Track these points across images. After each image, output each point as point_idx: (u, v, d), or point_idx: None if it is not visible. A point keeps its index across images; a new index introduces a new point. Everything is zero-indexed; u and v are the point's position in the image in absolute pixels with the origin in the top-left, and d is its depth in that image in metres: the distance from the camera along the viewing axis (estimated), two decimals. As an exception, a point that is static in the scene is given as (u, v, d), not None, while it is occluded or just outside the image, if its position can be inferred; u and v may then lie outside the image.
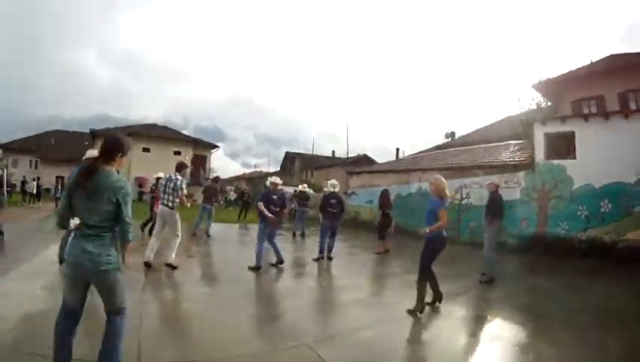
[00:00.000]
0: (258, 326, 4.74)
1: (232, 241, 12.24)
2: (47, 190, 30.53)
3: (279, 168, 42.16)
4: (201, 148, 38.70)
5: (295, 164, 37.42)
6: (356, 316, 5.10)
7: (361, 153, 34.40)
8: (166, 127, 42.00)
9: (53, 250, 6.88)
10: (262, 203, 7.73)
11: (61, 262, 6.01)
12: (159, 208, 7.49)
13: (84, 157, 5.00)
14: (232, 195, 31.90)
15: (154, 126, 41.37)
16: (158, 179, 10.58)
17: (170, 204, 7.12)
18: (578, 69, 16.29)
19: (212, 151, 40.29)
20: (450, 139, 28.50)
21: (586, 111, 14.31)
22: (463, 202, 13.00)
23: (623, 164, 9.49)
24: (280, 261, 7.85)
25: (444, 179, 5.40)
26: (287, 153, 40.65)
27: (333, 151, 42.51)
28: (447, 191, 5.34)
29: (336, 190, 9.41)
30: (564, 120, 11.27)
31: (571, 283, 7.24)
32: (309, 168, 33.31)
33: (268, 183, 8.44)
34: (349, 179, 19.26)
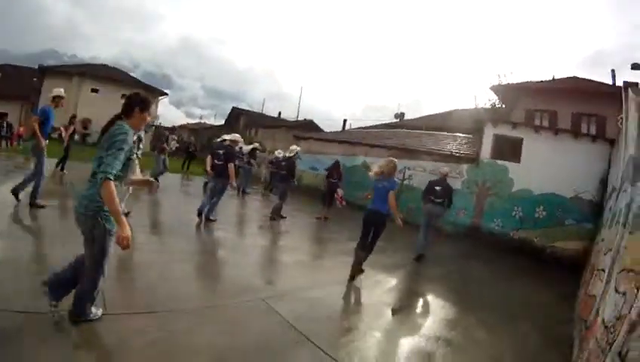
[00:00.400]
0: (208, 280, 5.03)
1: (177, 192, 12.68)
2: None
3: (224, 122, 41.38)
4: (149, 93, 37.25)
5: (240, 120, 36.80)
6: (299, 277, 5.53)
7: (308, 118, 34.56)
8: (115, 69, 40.58)
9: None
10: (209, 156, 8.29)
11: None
12: None
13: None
14: (174, 145, 31.21)
15: (104, 66, 39.87)
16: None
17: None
18: (539, 81, 17.36)
19: (160, 98, 39.17)
20: (399, 120, 29.33)
21: (537, 121, 15.44)
22: (404, 183, 13.57)
23: (563, 178, 10.35)
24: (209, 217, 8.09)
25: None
26: (233, 108, 39.94)
27: (279, 113, 42.37)
28: None
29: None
30: (515, 126, 11.94)
31: (499, 274, 8.04)
32: (255, 126, 32.88)
33: (228, 138, 8.89)
34: (297, 143, 19.44)
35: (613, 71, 16.48)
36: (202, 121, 53.97)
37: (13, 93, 36.20)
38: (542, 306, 6.12)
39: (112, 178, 2.68)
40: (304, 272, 5.91)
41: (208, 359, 3.05)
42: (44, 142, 6.81)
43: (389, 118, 30.67)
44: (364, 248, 5.73)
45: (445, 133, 16.44)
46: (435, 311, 5.16)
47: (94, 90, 34.91)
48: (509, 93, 17.23)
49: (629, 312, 2.39)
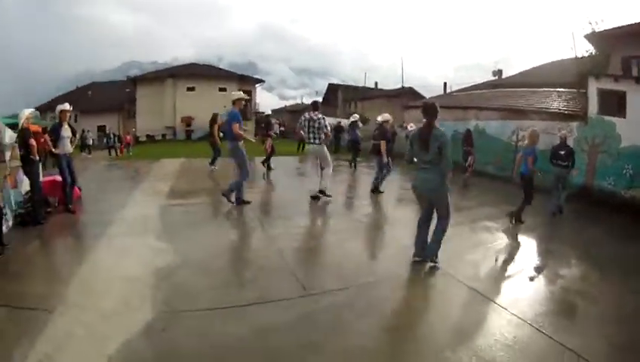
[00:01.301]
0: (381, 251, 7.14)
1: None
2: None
3: (321, 99, 43.55)
4: (246, 83, 41.10)
5: (338, 95, 38.53)
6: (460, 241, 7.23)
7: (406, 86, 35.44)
8: (207, 65, 45.28)
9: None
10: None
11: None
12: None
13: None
14: (277, 128, 33.71)
15: (192, 65, 43.88)
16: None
17: (316, 141, 9.28)
18: (630, 24, 16.84)
19: (257, 85, 42.23)
20: (497, 77, 30.09)
21: (635, 69, 15.83)
22: (519, 144, 14.78)
23: None
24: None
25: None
26: (329, 84, 41.72)
27: (376, 83, 43.84)
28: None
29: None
30: (617, 78, 12.54)
31: (614, 233, 8.99)
32: (353, 99, 34.63)
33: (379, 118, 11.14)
34: (405, 112, 21.23)
35: None
36: (299, 102, 56.26)
37: (107, 106, 40.60)
38: None
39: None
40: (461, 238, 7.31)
41: (414, 315, 4.51)
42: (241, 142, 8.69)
43: (483, 77, 31.34)
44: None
45: (548, 89, 17.26)
46: (554, 269, 6.28)
47: (190, 89, 38.60)
48: (604, 40, 17.07)
49: None
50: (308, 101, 52.15)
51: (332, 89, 40.08)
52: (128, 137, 28.35)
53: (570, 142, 12.17)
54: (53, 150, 8.04)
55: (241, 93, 9.52)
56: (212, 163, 14.60)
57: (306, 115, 9.47)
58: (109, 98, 43.40)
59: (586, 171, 12.78)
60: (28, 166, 7.50)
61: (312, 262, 5.99)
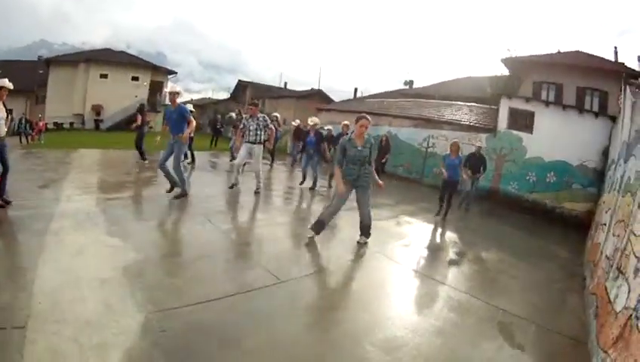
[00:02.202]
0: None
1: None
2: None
3: (229, 95, 42.96)
4: (159, 73, 39.81)
5: (247, 92, 38.54)
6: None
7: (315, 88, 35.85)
8: (122, 52, 42.58)
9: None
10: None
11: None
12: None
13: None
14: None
15: (107, 50, 41.26)
16: None
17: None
18: (545, 54, 20.04)
19: (169, 77, 41.10)
20: (408, 87, 31.93)
21: (544, 93, 18.34)
22: (429, 150, 16.62)
23: (570, 148, 12.93)
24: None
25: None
26: (239, 81, 41.31)
27: (285, 83, 44.08)
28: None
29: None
30: (528, 100, 14.66)
31: (518, 229, 10.60)
32: (261, 98, 35.14)
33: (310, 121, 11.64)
34: (318, 114, 22.04)
35: (615, 48, 19.27)
36: (206, 97, 55.97)
37: (15, 87, 37.25)
38: (557, 254, 8.50)
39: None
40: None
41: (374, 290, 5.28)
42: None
43: (395, 86, 33.19)
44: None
45: (460, 103, 18.96)
46: (475, 254, 7.35)
47: (103, 76, 36.51)
48: (518, 65, 19.80)
49: (621, 245, 4.53)
50: (216, 96, 52.59)
51: (242, 86, 40.02)
52: (41, 123, 26.56)
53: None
54: None
55: (176, 87, 9.75)
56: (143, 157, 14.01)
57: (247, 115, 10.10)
58: (18, 79, 39.79)
59: (493, 177, 14.67)
60: None
61: (273, 252, 5.98)
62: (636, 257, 3.58)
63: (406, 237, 7.76)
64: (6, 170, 7.14)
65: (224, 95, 47.56)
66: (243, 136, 9.81)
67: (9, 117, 7.61)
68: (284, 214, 8.77)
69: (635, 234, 4.01)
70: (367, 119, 6.19)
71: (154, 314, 3.77)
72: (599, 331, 3.81)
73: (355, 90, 34.08)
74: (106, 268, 4.69)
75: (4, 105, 7.34)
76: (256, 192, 9.95)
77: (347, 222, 7.51)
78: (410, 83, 33.03)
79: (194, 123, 8.61)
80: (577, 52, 20.45)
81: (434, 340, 3.89)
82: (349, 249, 6.45)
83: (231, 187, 9.96)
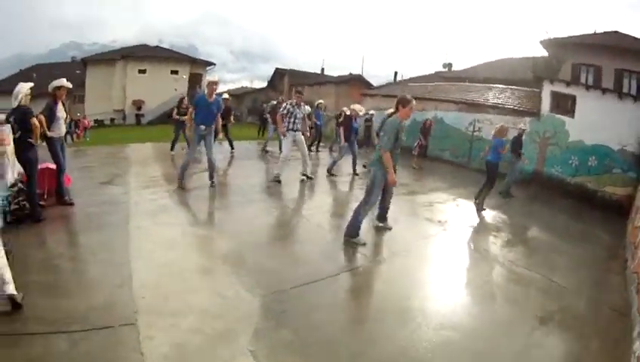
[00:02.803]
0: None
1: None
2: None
3: (267, 84, 43.65)
4: (197, 66, 40.95)
5: (284, 80, 38.86)
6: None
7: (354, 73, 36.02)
8: (159, 47, 44.03)
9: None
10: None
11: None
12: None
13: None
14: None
15: (145, 46, 42.55)
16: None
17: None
18: (582, 35, 20.43)
19: (207, 68, 42.12)
20: (447, 69, 32.52)
21: (583, 76, 18.79)
22: (475, 134, 17.43)
23: (610, 133, 13.48)
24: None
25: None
26: (276, 69, 41.57)
27: (322, 69, 44.60)
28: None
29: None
30: (569, 84, 15.17)
31: (562, 212, 11.45)
32: (299, 85, 35.41)
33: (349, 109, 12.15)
34: (363, 100, 22.85)
35: None
36: (243, 86, 56.50)
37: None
38: (599, 237, 9.23)
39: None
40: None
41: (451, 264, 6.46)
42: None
43: (431, 69, 33.44)
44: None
45: (503, 85, 19.51)
46: (527, 233, 8.53)
47: (142, 71, 38.03)
48: (557, 47, 20.18)
49: None
50: (253, 85, 53.20)
51: (279, 73, 40.43)
52: (86, 121, 27.60)
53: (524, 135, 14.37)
54: (48, 132, 6.91)
55: (216, 76, 10.25)
56: (172, 148, 14.41)
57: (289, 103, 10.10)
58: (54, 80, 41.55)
59: (537, 160, 15.44)
60: (26, 152, 6.12)
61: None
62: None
63: (467, 218, 8.85)
64: (62, 169, 7.27)
65: (260, 84, 48.50)
66: (283, 121, 9.78)
67: (67, 116, 7.64)
68: (350, 199, 9.56)
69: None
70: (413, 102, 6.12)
71: (268, 297, 4.03)
72: (640, 305, 4.80)
73: (395, 73, 34.65)
74: (205, 258, 4.92)
75: (64, 105, 7.38)
76: (309, 177, 10.41)
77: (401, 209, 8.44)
78: (449, 65, 33.49)
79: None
80: (615, 32, 20.59)
81: (503, 305, 5.04)
82: (418, 232, 7.53)
83: (278, 181, 9.99)
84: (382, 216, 7.01)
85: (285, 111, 9.81)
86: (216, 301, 3.94)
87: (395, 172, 6.06)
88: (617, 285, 6.28)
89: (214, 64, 43.29)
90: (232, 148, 14.72)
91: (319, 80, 36.88)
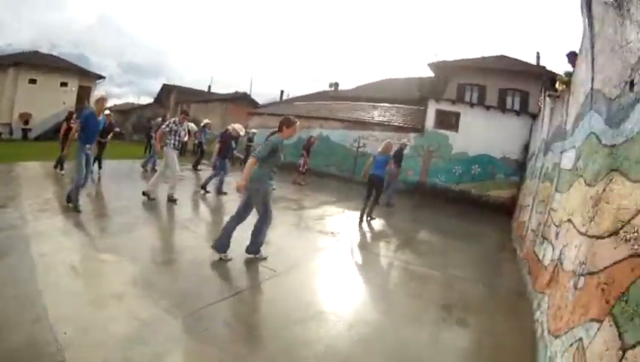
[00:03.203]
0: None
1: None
2: None
3: (153, 100, 42.35)
4: (87, 78, 37.34)
5: (171, 96, 37.73)
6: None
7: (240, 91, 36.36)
8: (52, 55, 38.92)
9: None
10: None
11: None
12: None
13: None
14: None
15: (38, 54, 36.96)
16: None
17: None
18: (470, 59, 22.22)
19: (97, 81, 38.64)
20: (333, 88, 33.15)
21: (468, 94, 20.36)
22: (359, 150, 18.06)
23: (494, 144, 14.87)
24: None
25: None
26: (164, 85, 40.39)
27: (209, 86, 44.01)
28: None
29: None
30: (454, 102, 16.54)
31: (449, 216, 12.22)
32: (186, 102, 34.50)
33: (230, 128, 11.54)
34: (250, 119, 22.90)
35: (538, 53, 22.11)
36: (129, 101, 54.38)
37: None
38: (487, 233, 10.18)
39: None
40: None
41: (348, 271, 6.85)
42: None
43: (317, 88, 34.14)
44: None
45: (388, 104, 20.52)
46: (421, 238, 8.89)
47: (32, 81, 33.89)
48: (444, 69, 21.71)
49: (544, 219, 6.14)
50: (139, 100, 50.85)
51: (166, 89, 39.23)
52: None
53: (406, 150, 14.85)
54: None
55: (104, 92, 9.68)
56: (59, 165, 13.07)
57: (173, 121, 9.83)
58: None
59: (421, 171, 16.41)
60: None
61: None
62: (555, 225, 4.89)
63: (357, 228, 8.97)
64: None
65: (146, 99, 46.50)
66: (162, 138, 9.57)
67: None
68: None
69: (553, 210, 5.42)
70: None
71: (187, 317, 4.00)
72: (534, 282, 5.12)
73: (282, 92, 35.14)
74: (115, 284, 4.70)
75: None
76: (174, 200, 9.60)
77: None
78: (336, 85, 34.17)
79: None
80: (501, 56, 22.59)
81: (407, 299, 5.13)
82: (314, 243, 7.42)
83: (151, 198, 9.48)
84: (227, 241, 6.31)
85: (168, 129, 9.53)
86: (138, 326, 3.79)
87: (272, 188, 6.34)
88: (511, 272, 6.73)
89: (104, 77, 40.14)
90: (100, 167, 13.03)
91: (206, 97, 36.41)
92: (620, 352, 1.96)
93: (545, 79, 10.75)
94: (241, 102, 30.27)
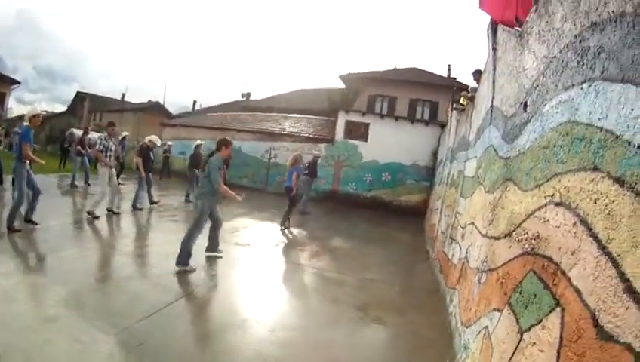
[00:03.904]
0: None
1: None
2: None
3: (67, 108, 39.77)
4: (1, 83, 33.79)
5: (85, 104, 35.66)
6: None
7: (154, 100, 35.32)
8: None
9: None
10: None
11: None
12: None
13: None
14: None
15: None
16: None
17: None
18: (381, 71, 23.17)
19: (12, 87, 35.36)
20: (245, 98, 33.19)
21: (378, 105, 21.24)
22: (271, 161, 18.35)
23: (403, 151, 15.73)
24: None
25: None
26: (78, 92, 38.14)
27: (123, 95, 42.23)
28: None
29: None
30: (364, 114, 17.22)
31: (362, 221, 12.60)
32: (99, 111, 32.89)
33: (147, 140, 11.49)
34: (162, 130, 22.42)
35: (449, 65, 23.58)
36: (43, 110, 50.65)
37: None
38: (400, 237, 10.72)
39: None
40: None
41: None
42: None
43: (229, 97, 33.89)
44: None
45: (298, 115, 20.88)
46: (334, 245, 9.14)
47: None
48: (355, 81, 22.41)
49: (451, 221, 6.77)
50: (53, 109, 47.74)
51: (80, 97, 37.02)
52: None
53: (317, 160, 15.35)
54: None
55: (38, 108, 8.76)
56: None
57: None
58: None
59: (333, 180, 16.98)
60: None
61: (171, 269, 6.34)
62: (461, 227, 5.44)
63: (273, 238, 9.14)
64: None
65: (59, 107, 43.35)
66: (100, 158, 9.47)
67: None
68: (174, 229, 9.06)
69: (459, 213, 6.02)
70: None
71: (122, 334, 4.04)
72: (446, 280, 5.66)
73: (194, 102, 34.68)
74: (47, 307, 4.64)
75: None
76: (117, 213, 9.72)
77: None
78: (248, 95, 34.34)
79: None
80: (412, 68, 23.75)
81: (325, 303, 5.47)
82: (232, 255, 7.62)
83: (96, 217, 9.10)
84: (214, 246, 7.13)
85: (102, 148, 9.42)
86: (77, 348, 3.79)
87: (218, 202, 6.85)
88: (424, 272, 7.30)
89: (19, 83, 36.77)
90: (1, 183, 12.12)
91: (120, 107, 34.97)
92: (519, 335, 2.37)
93: (455, 90, 11.50)
94: (155, 111, 29.60)
